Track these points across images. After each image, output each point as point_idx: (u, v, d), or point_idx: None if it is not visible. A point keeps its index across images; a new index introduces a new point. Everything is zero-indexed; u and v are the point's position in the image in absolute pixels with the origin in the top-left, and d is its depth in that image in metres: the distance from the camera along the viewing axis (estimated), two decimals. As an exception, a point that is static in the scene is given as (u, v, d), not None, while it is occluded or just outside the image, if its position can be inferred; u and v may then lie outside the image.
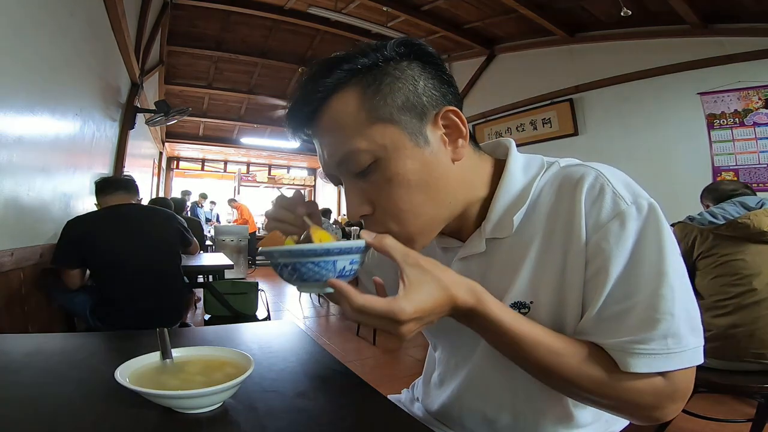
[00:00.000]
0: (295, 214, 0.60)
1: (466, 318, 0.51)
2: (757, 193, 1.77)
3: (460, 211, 0.59)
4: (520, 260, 0.56)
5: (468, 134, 0.56)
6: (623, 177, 0.54)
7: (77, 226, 1.83)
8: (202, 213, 9.05)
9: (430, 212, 0.55)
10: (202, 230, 4.67)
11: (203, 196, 9.23)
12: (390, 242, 0.49)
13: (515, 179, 0.58)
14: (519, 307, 0.55)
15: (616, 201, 0.51)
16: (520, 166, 0.60)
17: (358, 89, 0.52)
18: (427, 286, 0.47)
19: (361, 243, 0.49)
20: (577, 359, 0.50)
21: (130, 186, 2.08)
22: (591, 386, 0.50)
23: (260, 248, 0.53)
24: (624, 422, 0.67)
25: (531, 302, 0.55)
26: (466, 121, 0.54)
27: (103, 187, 2.02)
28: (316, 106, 0.54)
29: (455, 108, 0.54)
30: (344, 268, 0.49)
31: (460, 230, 0.62)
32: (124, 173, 2.11)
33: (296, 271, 0.48)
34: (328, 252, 0.48)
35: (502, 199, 0.58)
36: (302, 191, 0.62)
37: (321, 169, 0.60)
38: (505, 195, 0.58)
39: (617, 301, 0.50)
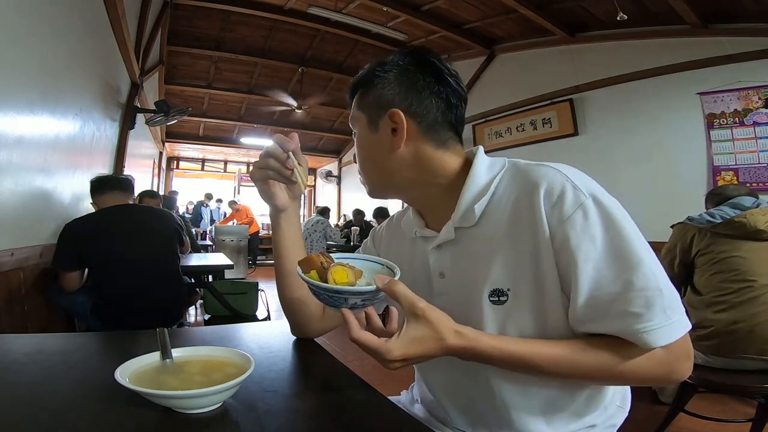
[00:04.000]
0: (282, 161, 0.71)
1: (464, 353, 0.56)
2: (759, 195, 1.79)
3: (414, 187, 0.70)
4: (490, 251, 0.62)
5: (404, 135, 0.66)
6: (580, 174, 0.61)
7: (76, 228, 1.83)
8: (207, 212, 9.06)
9: (374, 176, 0.72)
10: (190, 228, 4.65)
11: (208, 196, 9.27)
12: (400, 289, 0.55)
13: (480, 176, 0.66)
14: (498, 294, 0.61)
15: (577, 194, 0.57)
16: (485, 165, 0.68)
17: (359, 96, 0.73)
18: (422, 337, 0.54)
19: (371, 288, 0.56)
20: (585, 358, 0.55)
21: (126, 185, 2.06)
22: (603, 375, 0.56)
23: (298, 271, 0.61)
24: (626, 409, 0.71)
25: (508, 289, 0.61)
26: (405, 123, 0.66)
27: (97, 186, 2.01)
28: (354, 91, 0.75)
29: (399, 111, 0.66)
30: (355, 303, 0.57)
31: (437, 223, 0.71)
32: (125, 174, 2.10)
33: (317, 295, 0.59)
34: (338, 292, 0.56)
35: (468, 192, 0.65)
36: (283, 135, 0.74)
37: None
38: (470, 189, 0.65)
39: (600, 287, 0.54)
